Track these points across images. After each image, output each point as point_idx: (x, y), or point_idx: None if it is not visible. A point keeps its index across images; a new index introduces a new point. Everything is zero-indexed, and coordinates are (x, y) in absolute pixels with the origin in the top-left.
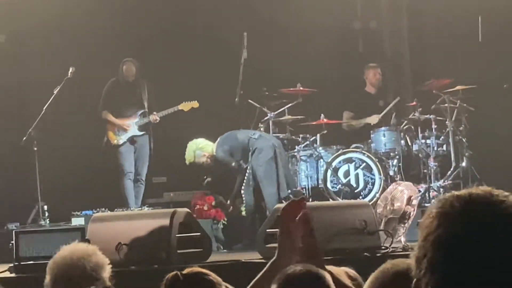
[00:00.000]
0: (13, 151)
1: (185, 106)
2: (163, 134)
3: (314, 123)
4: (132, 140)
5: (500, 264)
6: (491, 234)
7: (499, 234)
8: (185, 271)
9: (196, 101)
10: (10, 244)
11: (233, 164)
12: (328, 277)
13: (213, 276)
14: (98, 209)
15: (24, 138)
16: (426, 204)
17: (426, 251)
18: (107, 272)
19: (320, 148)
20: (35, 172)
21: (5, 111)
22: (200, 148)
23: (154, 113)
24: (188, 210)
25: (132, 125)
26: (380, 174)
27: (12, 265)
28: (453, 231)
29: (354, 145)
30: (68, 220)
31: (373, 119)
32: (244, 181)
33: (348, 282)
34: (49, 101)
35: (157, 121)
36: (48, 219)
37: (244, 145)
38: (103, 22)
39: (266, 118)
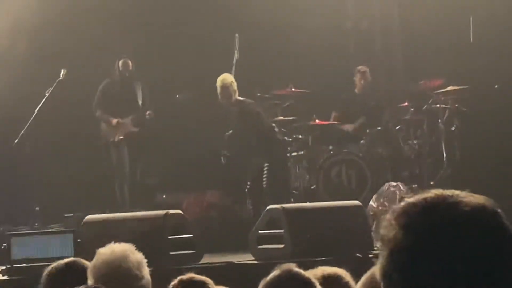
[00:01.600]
0: (5, 153)
1: (179, 98)
2: (157, 135)
3: (306, 124)
4: (126, 139)
5: (470, 263)
6: (456, 236)
7: (463, 235)
8: (184, 279)
9: (189, 92)
10: (2, 247)
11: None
12: (316, 283)
13: (211, 283)
14: (90, 211)
15: (16, 140)
16: None
17: (394, 264)
18: (146, 269)
19: (312, 149)
20: (27, 174)
21: None
22: (234, 84)
23: (149, 112)
24: (180, 211)
25: (126, 123)
26: (372, 174)
27: (4, 267)
28: (419, 240)
29: (346, 146)
30: (61, 222)
31: (349, 127)
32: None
33: (352, 283)
34: (41, 103)
35: (152, 115)
36: (40, 221)
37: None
38: (95, 23)
39: None
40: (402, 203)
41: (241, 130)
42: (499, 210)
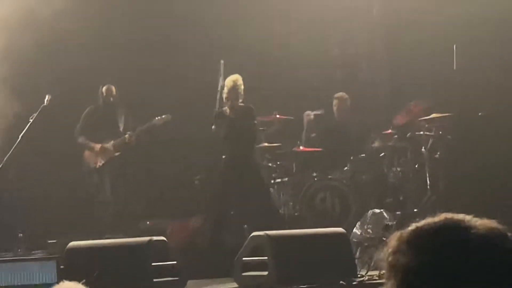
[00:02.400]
0: None
1: (158, 120)
2: (140, 161)
3: (291, 150)
4: (108, 164)
5: (481, 285)
6: (467, 258)
7: (474, 257)
8: None
9: (169, 114)
10: None
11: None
12: None
13: None
14: (74, 237)
15: (0, 165)
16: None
17: (404, 286)
18: None
19: (296, 175)
20: (10, 200)
21: None
22: (242, 87)
23: (128, 133)
24: (164, 238)
25: (108, 148)
26: (356, 201)
27: None
28: (430, 261)
29: (331, 172)
30: (44, 248)
31: None
32: None
33: None
34: (25, 129)
35: (132, 138)
36: (23, 248)
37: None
38: (79, 50)
39: None
40: (411, 227)
41: (230, 139)
42: (510, 234)
